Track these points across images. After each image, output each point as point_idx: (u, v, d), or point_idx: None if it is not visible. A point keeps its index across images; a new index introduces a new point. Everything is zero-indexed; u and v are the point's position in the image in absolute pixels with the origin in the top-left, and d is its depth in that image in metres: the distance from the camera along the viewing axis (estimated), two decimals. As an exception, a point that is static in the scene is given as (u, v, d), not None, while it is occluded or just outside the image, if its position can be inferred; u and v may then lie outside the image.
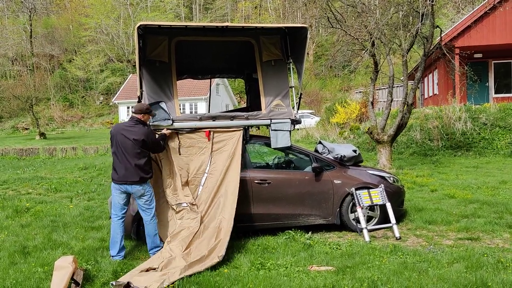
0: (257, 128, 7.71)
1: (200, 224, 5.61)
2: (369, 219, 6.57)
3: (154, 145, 5.56)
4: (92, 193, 9.99)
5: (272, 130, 6.32)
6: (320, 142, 7.18)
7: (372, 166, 10.83)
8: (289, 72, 6.75)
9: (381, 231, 6.54)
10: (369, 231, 6.23)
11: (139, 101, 5.98)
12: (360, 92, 29.23)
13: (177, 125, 5.97)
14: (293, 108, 6.56)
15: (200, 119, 6.06)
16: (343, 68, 44.06)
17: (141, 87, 6.02)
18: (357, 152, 6.90)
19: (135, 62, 6.67)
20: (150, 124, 5.80)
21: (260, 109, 6.37)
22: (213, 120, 6.10)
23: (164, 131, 5.87)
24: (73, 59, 54.85)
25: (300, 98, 6.82)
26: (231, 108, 41.32)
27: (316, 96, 42.12)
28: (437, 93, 22.30)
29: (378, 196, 6.36)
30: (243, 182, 6.01)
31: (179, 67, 6.67)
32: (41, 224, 7.11)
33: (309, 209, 6.41)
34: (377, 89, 25.85)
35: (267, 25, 6.75)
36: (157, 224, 5.55)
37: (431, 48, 12.20)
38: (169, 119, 5.93)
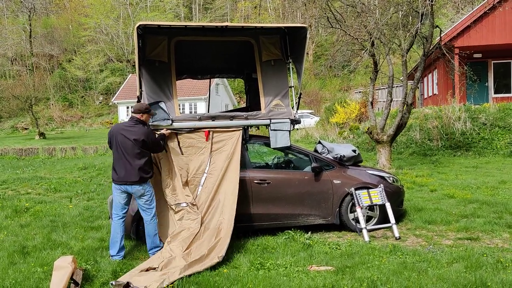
0: (256, 128, 7.71)
1: (201, 225, 5.61)
2: (368, 219, 6.57)
3: (154, 145, 5.55)
4: (91, 193, 9.99)
5: (271, 130, 6.32)
6: (319, 142, 7.18)
7: (372, 166, 10.84)
8: (288, 72, 6.75)
9: (381, 231, 6.54)
10: (369, 231, 6.23)
11: (139, 101, 5.98)
12: (359, 92, 29.25)
13: (176, 125, 5.96)
14: (292, 108, 6.56)
15: (200, 119, 6.06)
16: (342, 68, 44.12)
17: (140, 87, 6.02)
18: (357, 152, 6.90)
19: (134, 62, 6.67)
20: (150, 124, 5.80)
21: (260, 109, 6.36)
22: (213, 120, 6.09)
23: (164, 131, 5.86)
24: (73, 59, 54.85)
25: (299, 98, 6.82)
26: (230, 108, 41.32)
27: (316, 96, 42.16)
28: (437, 93, 22.30)
29: (377, 196, 6.36)
30: (242, 182, 6.01)
31: (178, 67, 6.66)
32: (41, 224, 7.10)
33: (309, 209, 6.40)
34: (377, 89, 25.87)
35: (266, 25, 6.75)
36: (157, 224, 5.55)
37: (430, 48, 12.20)
38: (169, 119, 5.93)
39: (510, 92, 19.87)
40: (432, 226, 6.66)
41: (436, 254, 5.27)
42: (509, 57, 19.73)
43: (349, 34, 12.25)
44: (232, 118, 6.20)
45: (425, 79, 25.67)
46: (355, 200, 6.26)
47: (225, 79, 39.78)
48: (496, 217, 6.94)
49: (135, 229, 5.97)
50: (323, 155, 6.82)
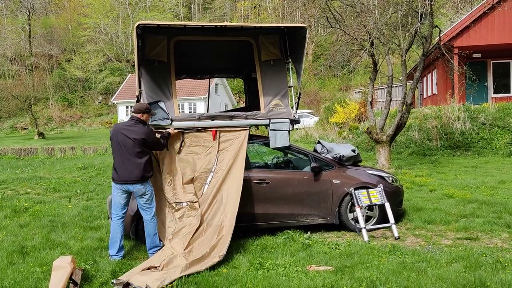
0: (256, 128, 7.71)
1: (202, 222, 5.62)
2: (368, 219, 6.57)
3: (154, 144, 5.56)
4: (90, 193, 9.98)
5: (271, 130, 6.32)
6: (319, 142, 7.18)
7: (371, 166, 10.84)
8: (288, 72, 6.75)
9: (380, 231, 6.54)
10: (368, 231, 6.23)
11: (138, 100, 5.97)
12: (359, 92, 29.25)
13: (176, 124, 5.96)
14: (292, 108, 6.56)
15: (199, 119, 6.06)
16: (342, 68, 44.10)
17: (140, 87, 6.02)
18: (356, 152, 6.90)
19: (134, 62, 6.67)
20: (149, 123, 5.80)
21: (259, 109, 6.36)
22: (212, 120, 6.10)
23: (170, 130, 5.87)
24: (72, 59, 54.82)
25: (299, 97, 6.81)
26: (230, 107, 41.31)
27: (315, 96, 42.16)
28: (436, 93, 22.31)
29: (377, 196, 6.36)
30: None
31: (178, 67, 6.66)
32: (40, 224, 7.10)
33: (308, 209, 6.40)
34: (376, 89, 25.88)
35: (266, 25, 6.74)
36: (157, 224, 5.55)
37: (430, 48, 12.21)
38: (168, 119, 5.93)
39: (509, 92, 19.88)
40: (431, 226, 6.66)
41: (435, 254, 5.27)
42: (508, 57, 19.75)
43: (349, 34, 12.25)
44: (231, 118, 6.19)
45: (425, 79, 25.68)
46: (355, 200, 6.26)
47: (224, 79, 39.79)
48: (495, 217, 6.94)
49: (134, 229, 5.96)
50: (323, 155, 6.82)
